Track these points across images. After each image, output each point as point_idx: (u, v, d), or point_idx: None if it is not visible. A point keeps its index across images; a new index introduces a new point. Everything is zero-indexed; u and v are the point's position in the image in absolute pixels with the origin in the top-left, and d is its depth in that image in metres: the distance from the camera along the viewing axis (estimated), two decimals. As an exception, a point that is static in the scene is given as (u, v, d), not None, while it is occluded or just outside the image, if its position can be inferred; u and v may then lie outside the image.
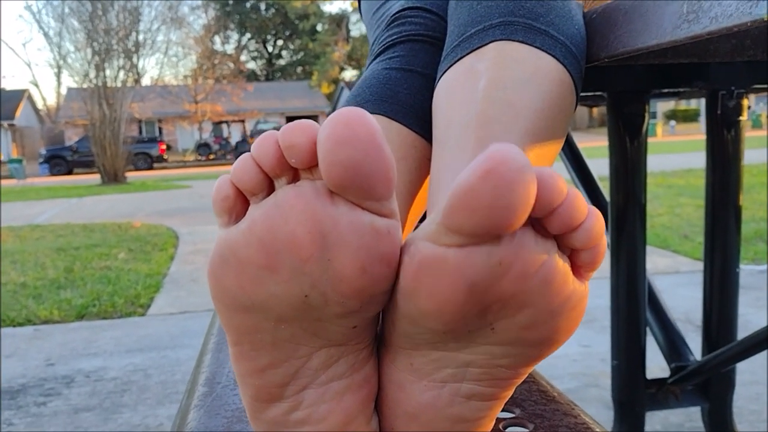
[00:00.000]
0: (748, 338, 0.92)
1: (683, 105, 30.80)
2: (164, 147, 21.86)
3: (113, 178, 13.99)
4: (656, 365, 1.26)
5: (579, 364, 2.03)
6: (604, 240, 0.33)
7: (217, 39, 34.36)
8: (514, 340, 0.34)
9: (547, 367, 1.99)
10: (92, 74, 14.76)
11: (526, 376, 0.40)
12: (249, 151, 0.35)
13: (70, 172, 20.32)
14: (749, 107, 1.28)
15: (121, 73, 15.11)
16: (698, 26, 0.42)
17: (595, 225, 0.32)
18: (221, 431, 0.45)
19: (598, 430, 0.42)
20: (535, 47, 0.53)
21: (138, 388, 2.02)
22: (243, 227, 0.33)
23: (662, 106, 30.52)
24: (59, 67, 17.35)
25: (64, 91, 24.48)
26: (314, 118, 34.21)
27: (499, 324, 0.33)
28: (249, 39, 41.92)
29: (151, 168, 20.58)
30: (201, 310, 2.93)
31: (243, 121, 24.44)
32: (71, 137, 24.54)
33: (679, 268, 3.31)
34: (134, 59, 15.67)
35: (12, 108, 28.24)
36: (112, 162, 14.06)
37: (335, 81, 34.50)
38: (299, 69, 41.99)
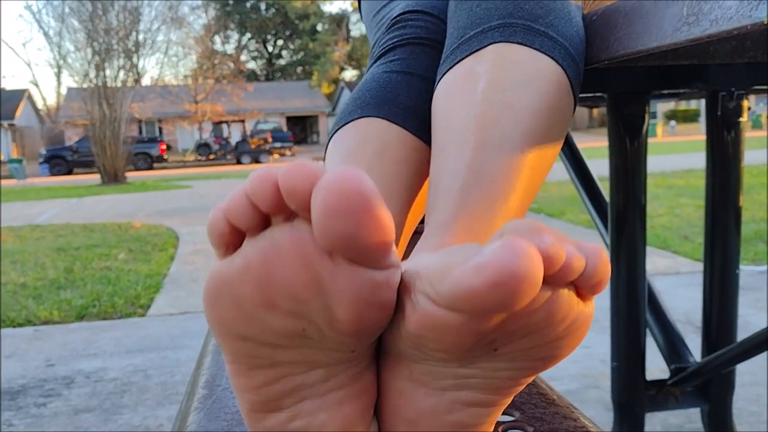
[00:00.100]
0: (748, 340, 0.92)
1: (683, 105, 30.81)
2: (164, 147, 21.86)
3: (113, 178, 14.00)
4: (656, 366, 1.26)
5: (579, 365, 2.03)
6: (609, 267, 0.33)
7: (217, 39, 34.38)
8: (517, 358, 0.34)
9: (547, 367, 1.98)
10: (92, 74, 14.76)
11: None
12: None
13: (70, 172, 20.32)
14: (749, 108, 1.28)
15: (121, 73, 15.12)
16: (698, 29, 0.42)
17: (599, 269, 0.31)
18: (221, 434, 0.45)
19: (597, 433, 0.42)
20: (534, 49, 0.53)
21: (138, 388, 2.02)
22: (238, 263, 0.32)
23: (662, 107, 30.52)
24: (59, 67, 17.37)
25: (64, 91, 24.50)
26: (314, 118, 34.25)
27: (504, 348, 0.33)
28: (249, 39, 41.94)
29: (151, 168, 20.58)
30: (201, 310, 2.93)
31: (243, 121, 24.44)
32: (71, 137, 24.54)
33: (679, 268, 3.31)
34: (134, 59, 15.68)
35: (12, 108, 28.25)
36: (112, 162, 14.06)
37: (335, 81, 34.50)
38: (299, 69, 42.01)
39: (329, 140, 0.61)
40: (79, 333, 2.68)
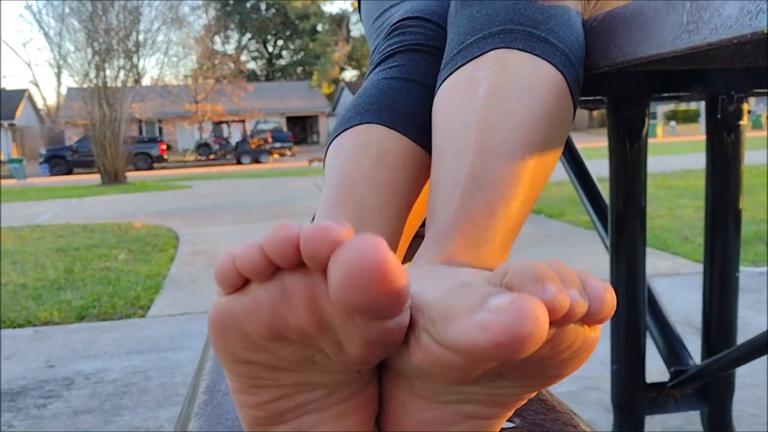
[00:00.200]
0: (748, 343, 0.92)
1: (683, 106, 30.80)
2: (164, 147, 21.86)
3: (113, 178, 14.00)
4: (656, 368, 1.26)
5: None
6: (614, 304, 0.33)
7: (218, 39, 34.39)
8: (521, 378, 0.34)
9: (546, 369, 1.98)
10: (92, 74, 14.76)
11: None
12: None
13: (70, 172, 20.32)
14: (749, 111, 1.28)
15: (122, 73, 15.12)
16: (698, 37, 0.42)
17: (603, 308, 0.32)
18: (221, 440, 0.45)
19: (597, 439, 0.42)
20: (535, 55, 0.53)
21: (138, 390, 2.02)
22: (247, 303, 0.32)
23: (662, 107, 30.52)
24: (59, 67, 17.37)
25: (64, 90, 24.51)
26: (314, 118, 34.25)
27: (508, 373, 0.34)
28: (249, 39, 41.95)
29: (151, 168, 20.58)
30: (201, 311, 2.93)
31: (243, 121, 24.44)
32: (71, 137, 24.55)
33: (679, 270, 3.31)
34: (134, 59, 15.68)
35: (12, 108, 28.25)
36: (112, 162, 14.06)
37: (335, 81, 34.51)
38: (299, 69, 42.03)
39: (328, 146, 0.61)
40: (79, 334, 2.68)
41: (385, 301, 0.29)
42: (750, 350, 0.92)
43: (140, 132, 26.85)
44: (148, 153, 20.66)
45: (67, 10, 15.51)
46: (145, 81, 25.91)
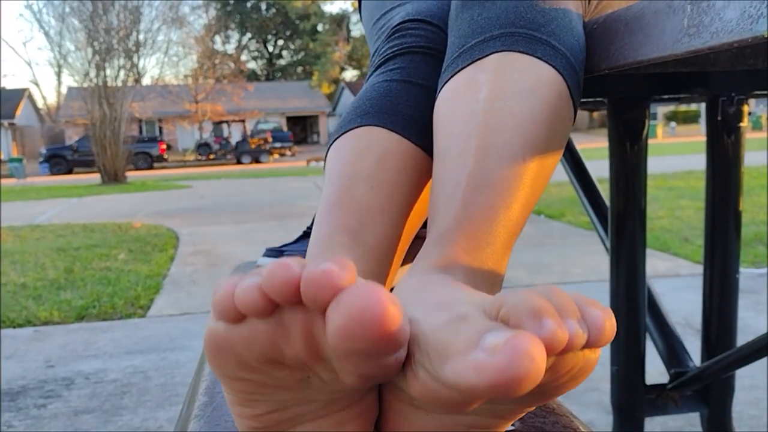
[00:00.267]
0: (748, 345, 0.92)
1: (684, 107, 30.80)
2: (164, 147, 21.88)
3: (113, 178, 14.00)
4: (655, 370, 1.26)
5: (578, 368, 2.03)
6: (613, 331, 0.33)
7: (218, 39, 34.39)
8: (520, 400, 0.34)
9: (546, 370, 1.98)
10: (93, 73, 14.77)
11: None
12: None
13: (70, 172, 20.33)
14: (750, 113, 1.28)
15: (122, 73, 15.12)
16: (699, 40, 0.42)
17: (603, 336, 0.32)
18: (221, 442, 0.45)
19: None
20: (537, 57, 0.53)
21: (138, 390, 2.02)
22: (244, 334, 0.31)
23: (663, 108, 30.52)
24: (60, 67, 17.35)
25: (64, 90, 24.52)
26: (314, 118, 34.26)
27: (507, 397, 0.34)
28: (249, 39, 41.97)
29: (151, 168, 20.59)
30: (201, 311, 2.93)
31: (243, 121, 24.45)
32: (71, 136, 24.56)
33: (679, 271, 3.31)
34: (135, 59, 15.68)
35: (12, 107, 28.25)
36: (112, 161, 14.07)
37: (336, 81, 34.52)
38: (300, 69, 42.05)
39: (329, 148, 0.61)
40: (79, 334, 2.68)
41: (383, 348, 0.29)
42: (750, 352, 0.92)
43: (140, 131, 26.86)
44: (148, 153, 20.67)
45: (67, 9, 15.53)
46: (146, 80, 25.94)
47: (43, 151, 20.91)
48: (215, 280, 3.55)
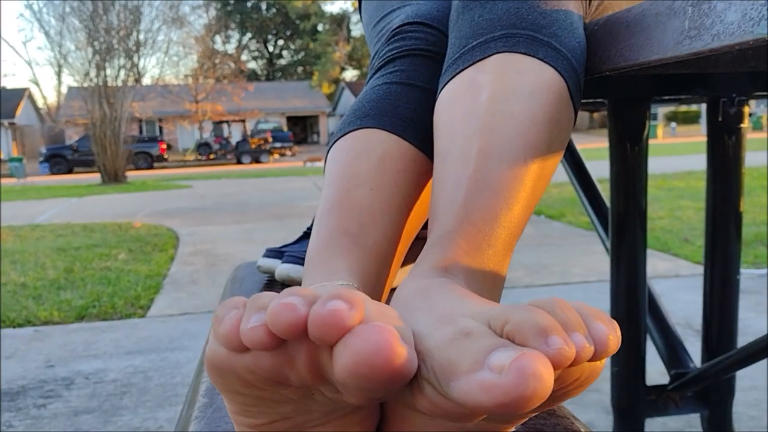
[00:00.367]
0: (748, 346, 0.92)
1: (684, 107, 30.79)
2: (165, 146, 21.89)
3: (113, 178, 14.00)
4: (656, 370, 1.26)
5: (579, 368, 2.03)
6: (618, 343, 0.33)
7: (218, 38, 34.39)
8: None
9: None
10: (93, 73, 14.77)
11: None
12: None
13: (70, 171, 20.33)
14: (750, 113, 1.28)
15: (122, 73, 15.13)
16: (700, 43, 0.42)
17: (608, 349, 0.32)
18: (222, 444, 0.45)
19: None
20: (538, 59, 0.53)
21: (138, 390, 2.02)
22: (248, 362, 0.31)
23: (663, 108, 30.52)
24: (60, 66, 17.36)
25: (64, 90, 24.51)
26: (315, 118, 34.26)
27: None
28: (250, 39, 41.99)
29: (151, 167, 20.60)
30: (201, 311, 2.93)
31: (243, 121, 24.46)
32: (71, 136, 24.57)
33: (679, 271, 3.31)
34: (135, 58, 15.69)
35: (12, 107, 28.25)
36: (112, 161, 14.07)
37: (336, 81, 34.53)
38: (300, 69, 42.07)
39: (328, 150, 0.61)
40: (78, 334, 2.68)
41: (391, 384, 0.29)
42: (750, 353, 0.92)
43: (140, 131, 26.87)
44: (148, 152, 20.68)
45: (67, 9, 15.54)
46: (146, 80, 25.89)
47: (43, 150, 20.91)
48: (215, 280, 3.55)
